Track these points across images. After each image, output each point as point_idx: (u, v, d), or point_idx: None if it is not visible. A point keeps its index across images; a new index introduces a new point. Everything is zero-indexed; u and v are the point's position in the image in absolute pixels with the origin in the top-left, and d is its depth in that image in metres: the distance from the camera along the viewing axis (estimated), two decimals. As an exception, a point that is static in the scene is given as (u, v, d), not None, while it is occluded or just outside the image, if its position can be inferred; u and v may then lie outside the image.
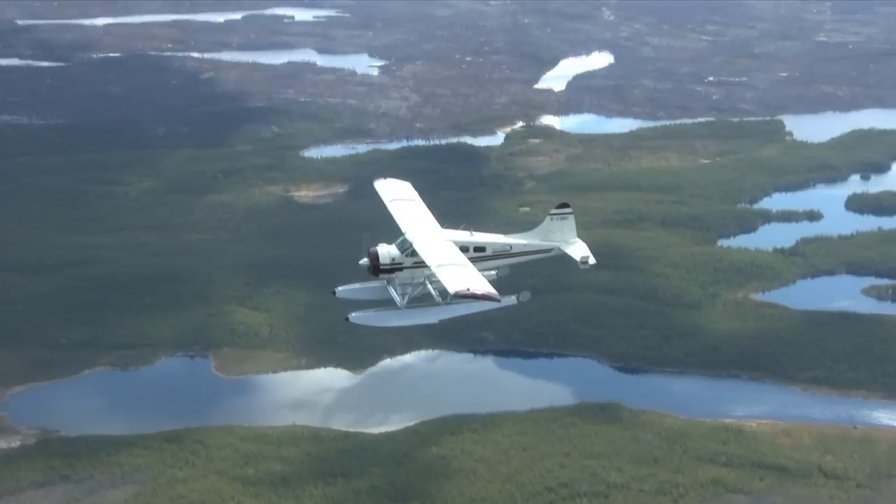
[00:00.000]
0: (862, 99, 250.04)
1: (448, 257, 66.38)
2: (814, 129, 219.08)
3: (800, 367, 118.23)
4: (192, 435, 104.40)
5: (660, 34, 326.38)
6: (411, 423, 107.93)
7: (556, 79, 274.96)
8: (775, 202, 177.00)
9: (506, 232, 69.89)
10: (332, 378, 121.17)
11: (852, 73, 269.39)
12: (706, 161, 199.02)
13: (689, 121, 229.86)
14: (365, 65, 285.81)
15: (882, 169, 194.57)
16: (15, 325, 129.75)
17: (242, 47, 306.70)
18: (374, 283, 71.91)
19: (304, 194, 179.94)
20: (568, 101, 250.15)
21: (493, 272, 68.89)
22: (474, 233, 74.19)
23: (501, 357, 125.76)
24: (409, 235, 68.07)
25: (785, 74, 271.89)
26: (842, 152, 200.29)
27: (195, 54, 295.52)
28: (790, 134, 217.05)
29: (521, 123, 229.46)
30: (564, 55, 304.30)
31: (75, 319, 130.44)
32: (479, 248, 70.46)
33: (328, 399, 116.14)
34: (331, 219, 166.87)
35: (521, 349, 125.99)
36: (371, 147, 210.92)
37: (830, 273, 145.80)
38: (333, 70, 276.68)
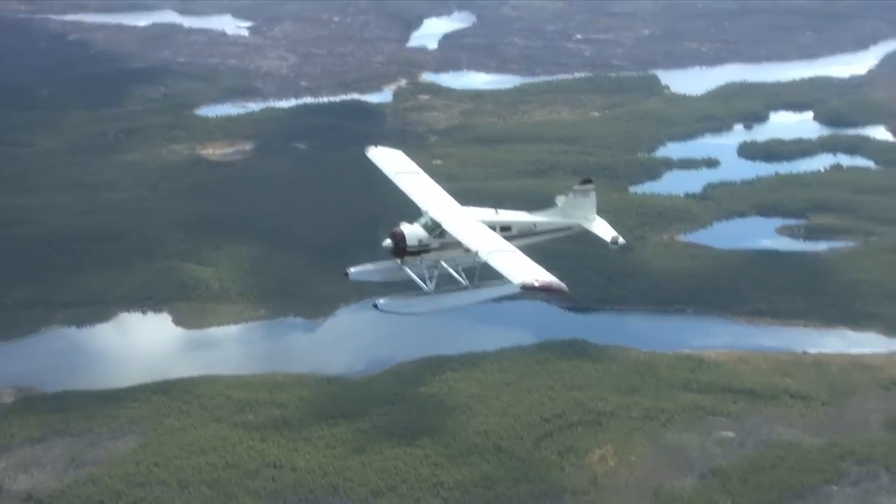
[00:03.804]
0: (725, 54, 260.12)
1: (493, 242, 65.35)
2: (687, 83, 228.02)
3: (741, 301, 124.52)
4: (179, 386, 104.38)
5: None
6: (388, 367, 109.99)
7: (425, 37, 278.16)
8: (671, 151, 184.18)
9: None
10: (295, 327, 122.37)
11: (711, 31, 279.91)
12: (596, 114, 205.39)
13: (567, 76, 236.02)
14: (232, 25, 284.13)
15: (762, 118, 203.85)
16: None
17: (99, 9, 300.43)
18: (387, 264, 70.96)
19: (212, 152, 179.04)
20: (445, 59, 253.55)
21: None
22: (499, 211, 73.45)
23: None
24: (434, 215, 66.69)
25: (647, 32, 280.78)
26: (721, 104, 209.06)
27: (53, 16, 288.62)
28: (667, 87, 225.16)
29: (404, 81, 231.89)
30: (427, 15, 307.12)
31: (15, 280, 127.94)
32: (505, 228, 69.53)
33: (298, 347, 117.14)
34: (247, 175, 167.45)
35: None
36: (263, 105, 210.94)
37: (742, 215, 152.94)
38: (202, 31, 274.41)
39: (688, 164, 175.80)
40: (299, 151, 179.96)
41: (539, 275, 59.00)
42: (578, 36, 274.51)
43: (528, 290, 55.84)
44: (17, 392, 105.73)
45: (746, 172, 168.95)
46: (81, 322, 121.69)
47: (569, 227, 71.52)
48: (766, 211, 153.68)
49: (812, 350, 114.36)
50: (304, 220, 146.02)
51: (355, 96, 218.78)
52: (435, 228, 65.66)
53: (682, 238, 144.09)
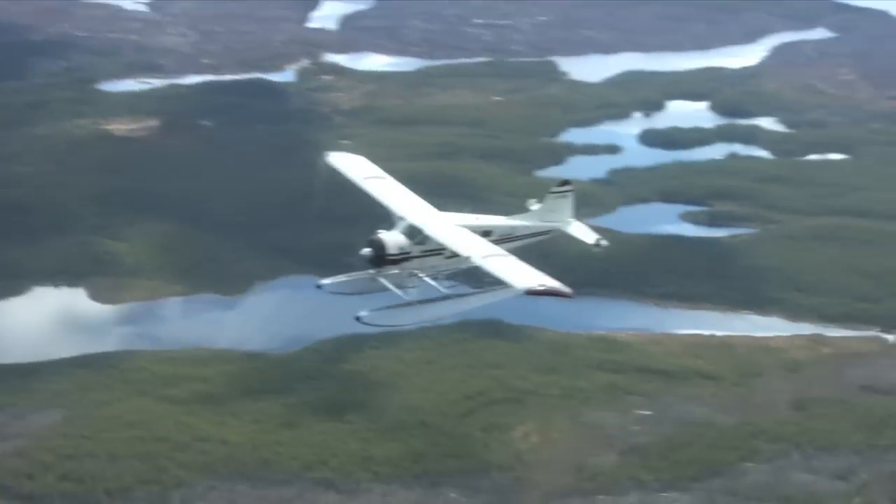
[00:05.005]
0: (621, 43, 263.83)
1: (484, 247, 64.38)
2: (584, 69, 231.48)
3: (650, 285, 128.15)
4: (100, 360, 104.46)
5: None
6: (309, 344, 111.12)
7: (325, 18, 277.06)
8: (573, 136, 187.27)
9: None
10: (212, 303, 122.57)
11: (607, 19, 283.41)
12: (499, 98, 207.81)
13: (468, 60, 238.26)
14: (131, 1, 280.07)
15: (659, 107, 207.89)
16: None
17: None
18: (361, 275, 69.57)
19: (118, 128, 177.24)
20: (345, 41, 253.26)
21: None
22: (479, 216, 72.72)
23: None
24: (413, 221, 65.54)
25: (545, 18, 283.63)
26: (620, 91, 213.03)
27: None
28: (566, 74, 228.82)
29: (306, 61, 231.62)
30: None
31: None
32: (486, 232, 68.32)
33: (216, 323, 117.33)
34: (155, 151, 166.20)
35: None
36: (167, 82, 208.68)
37: (645, 201, 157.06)
38: (100, 5, 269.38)
39: (590, 149, 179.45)
40: (205, 129, 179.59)
41: (541, 279, 58.02)
42: (478, 20, 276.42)
43: (532, 295, 54.69)
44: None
45: (647, 159, 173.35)
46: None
47: (547, 231, 70.28)
48: (668, 197, 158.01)
49: (719, 333, 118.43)
50: (214, 197, 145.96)
51: (258, 75, 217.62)
52: (415, 235, 64.37)
53: (590, 222, 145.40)
